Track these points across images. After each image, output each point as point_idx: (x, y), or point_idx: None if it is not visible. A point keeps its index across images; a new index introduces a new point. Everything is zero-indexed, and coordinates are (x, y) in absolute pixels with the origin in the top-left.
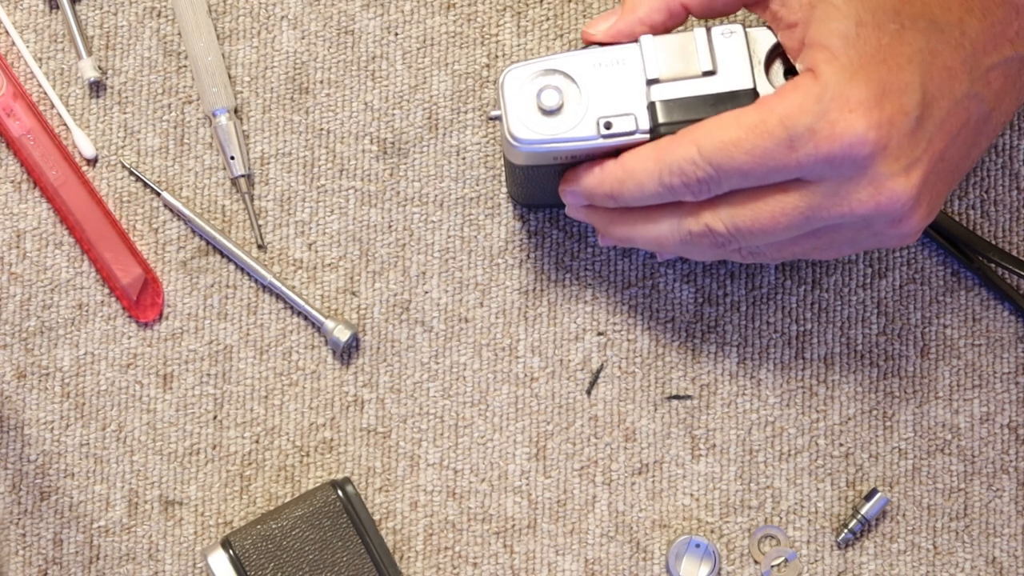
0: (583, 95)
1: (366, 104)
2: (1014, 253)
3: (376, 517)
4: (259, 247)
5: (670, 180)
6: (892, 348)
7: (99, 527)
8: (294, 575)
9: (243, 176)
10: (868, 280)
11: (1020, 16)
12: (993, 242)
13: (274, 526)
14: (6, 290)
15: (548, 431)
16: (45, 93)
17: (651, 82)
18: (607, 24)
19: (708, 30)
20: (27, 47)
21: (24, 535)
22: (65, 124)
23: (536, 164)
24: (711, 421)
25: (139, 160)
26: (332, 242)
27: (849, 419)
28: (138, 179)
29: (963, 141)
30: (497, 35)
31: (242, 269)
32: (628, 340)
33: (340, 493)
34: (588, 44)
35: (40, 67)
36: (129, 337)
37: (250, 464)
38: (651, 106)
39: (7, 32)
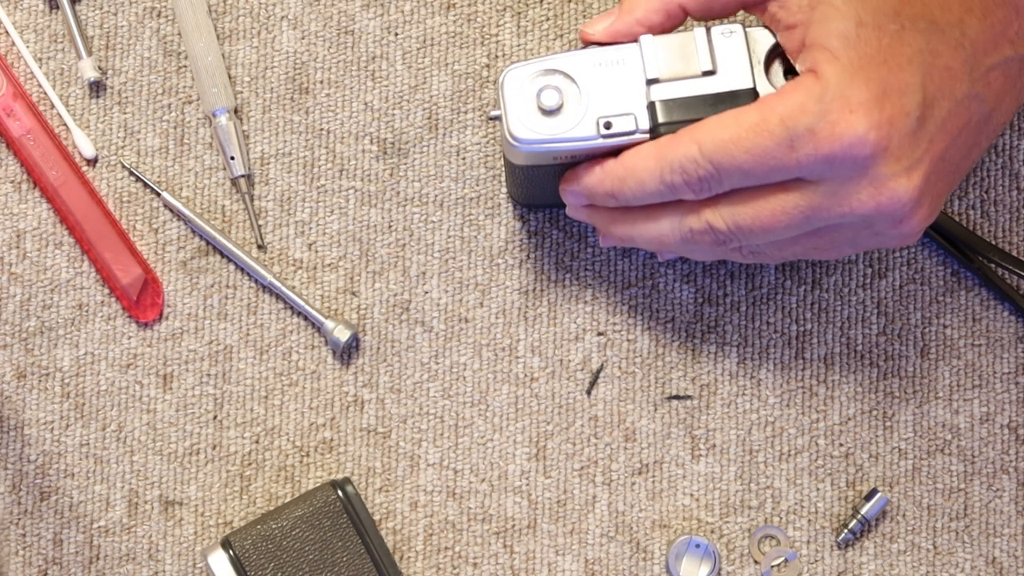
0: (583, 95)
1: (366, 104)
2: (1014, 253)
3: (376, 517)
4: (259, 247)
5: (671, 178)
6: (892, 348)
7: (99, 527)
8: (294, 575)
9: (243, 176)
10: (868, 280)
11: (1020, 16)
12: (993, 242)
13: (274, 526)
14: (6, 290)
15: (548, 431)
16: (45, 93)
17: (651, 82)
18: (605, 24)
19: (708, 30)
20: (27, 47)
21: (24, 535)
22: (65, 124)
23: (536, 164)
24: (711, 421)
25: (139, 160)
26: (332, 242)
27: (849, 419)
28: (138, 179)
29: (964, 141)
30: (497, 35)
31: (242, 269)
32: (628, 340)
33: (340, 493)
34: (587, 44)
35: (40, 67)
36: (129, 337)
37: (250, 464)
38: (651, 106)
39: (7, 32)
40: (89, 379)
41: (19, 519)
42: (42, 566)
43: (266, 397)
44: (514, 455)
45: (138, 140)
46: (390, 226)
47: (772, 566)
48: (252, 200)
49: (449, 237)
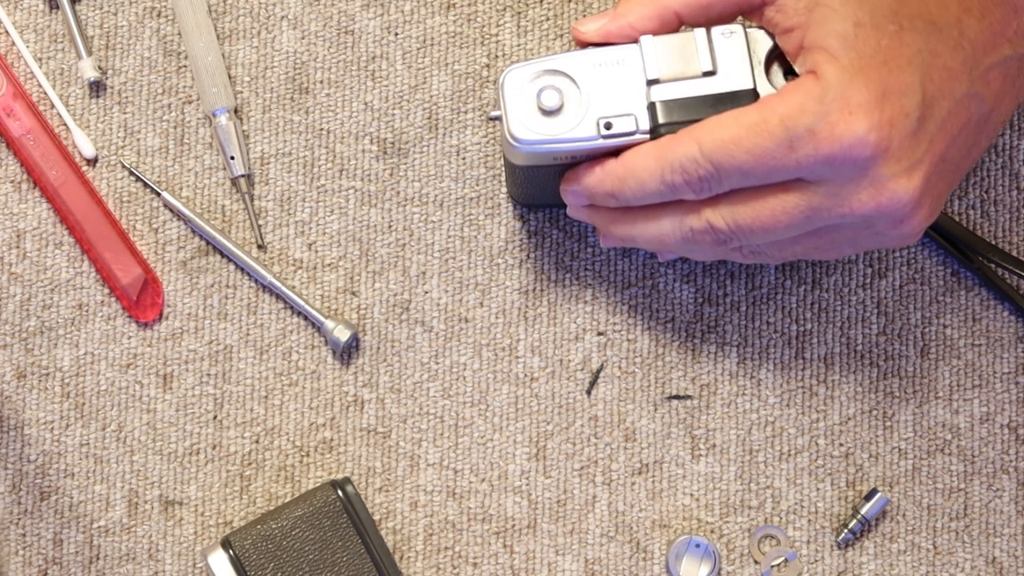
0: (583, 95)
1: (366, 104)
2: (1014, 253)
3: (376, 517)
4: (259, 247)
5: (671, 178)
6: (892, 348)
7: (99, 527)
8: (294, 575)
9: (243, 176)
10: (868, 280)
11: (1018, 15)
12: (993, 242)
13: (274, 526)
14: (6, 290)
15: (548, 431)
16: (45, 93)
17: (651, 82)
18: (597, 25)
19: (708, 30)
20: (27, 47)
21: (24, 535)
22: (65, 124)
23: (536, 164)
24: (711, 421)
25: (139, 160)
26: (332, 242)
27: (849, 419)
28: (138, 179)
29: (964, 141)
30: (497, 35)
31: (242, 269)
32: (628, 340)
33: (340, 493)
34: (578, 42)
35: (40, 67)
36: (129, 337)
37: (250, 464)
38: (651, 106)
39: (7, 32)
40: (89, 379)
41: (19, 519)
42: (42, 566)
43: (266, 397)
44: (514, 455)
45: (138, 140)
46: (390, 226)
47: (772, 566)
48: (252, 200)
49: (449, 237)
